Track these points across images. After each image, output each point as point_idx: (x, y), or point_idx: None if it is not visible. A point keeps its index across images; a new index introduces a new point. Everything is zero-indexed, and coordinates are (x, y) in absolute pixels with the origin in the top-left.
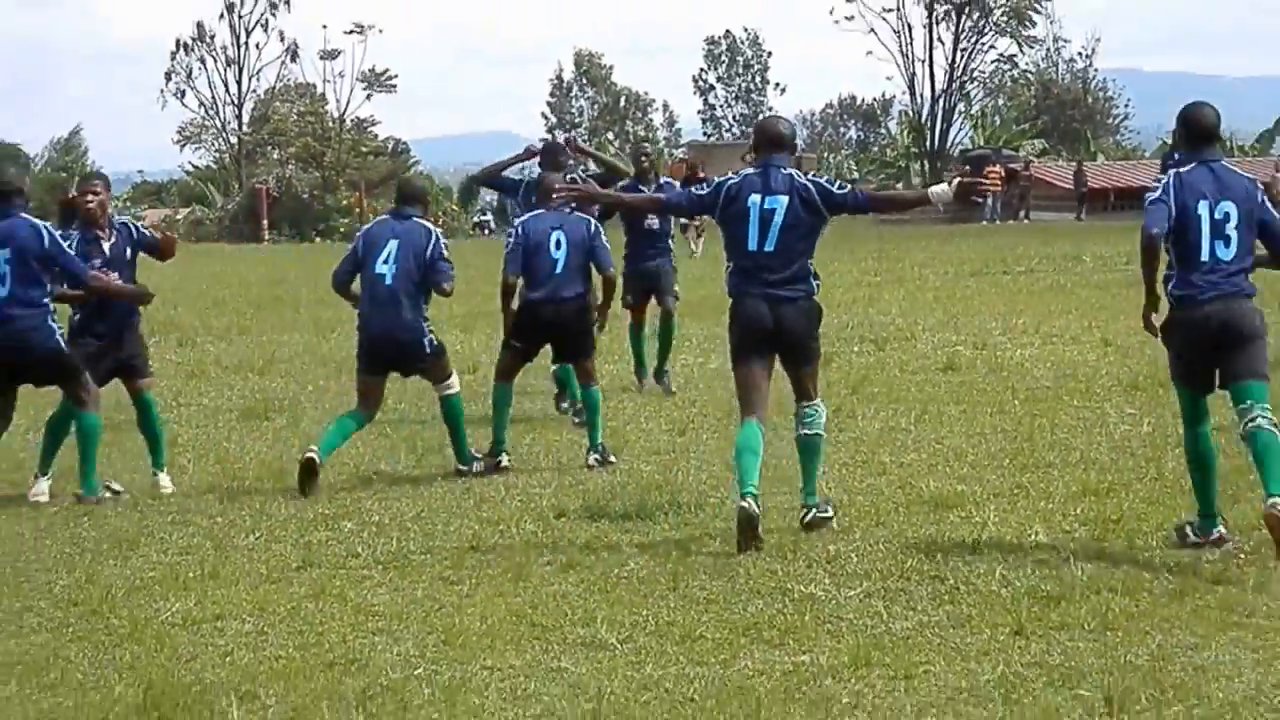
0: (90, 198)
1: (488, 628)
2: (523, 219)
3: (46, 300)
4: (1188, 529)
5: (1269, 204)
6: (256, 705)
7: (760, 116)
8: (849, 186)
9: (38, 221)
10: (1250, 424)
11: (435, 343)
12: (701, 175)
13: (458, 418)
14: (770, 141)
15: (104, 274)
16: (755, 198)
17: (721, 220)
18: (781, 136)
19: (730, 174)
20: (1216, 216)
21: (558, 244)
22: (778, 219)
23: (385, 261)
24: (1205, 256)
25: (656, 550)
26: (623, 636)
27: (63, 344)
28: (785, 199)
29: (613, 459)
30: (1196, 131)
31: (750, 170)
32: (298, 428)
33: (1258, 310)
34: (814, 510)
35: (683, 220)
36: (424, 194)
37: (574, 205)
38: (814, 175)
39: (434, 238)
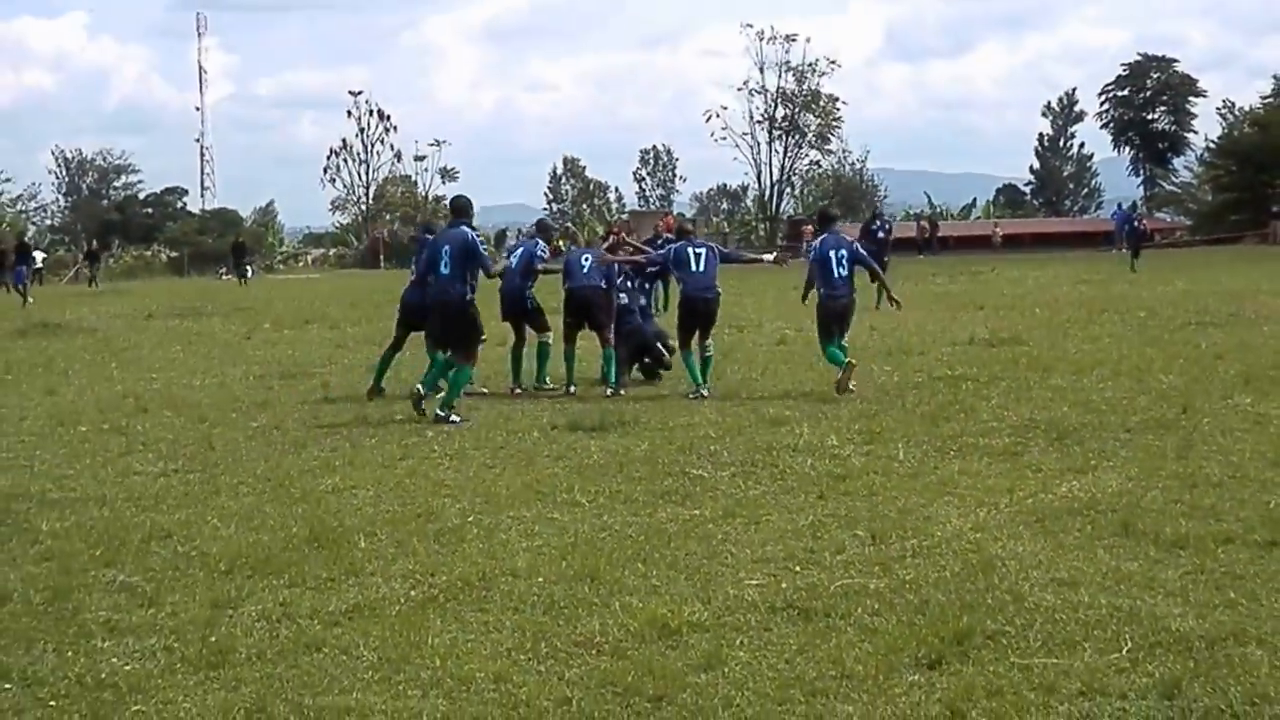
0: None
1: (511, 494)
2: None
3: (471, 284)
4: None
5: (860, 249)
6: (375, 540)
7: (823, 205)
8: (729, 247)
9: (470, 232)
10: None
11: (473, 307)
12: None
13: (543, 357)
14: (824, 218)
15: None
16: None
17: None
18: (827, 214)
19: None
20: (838, 257)
21: (585, 259)
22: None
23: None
24: (835, 276)
25: (610, 448)
26: (590, 499)
27: (474, 313)
28: (705, 250)
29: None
30: (827, 219)
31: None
32: (400, 378)
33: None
34: (701, 390)
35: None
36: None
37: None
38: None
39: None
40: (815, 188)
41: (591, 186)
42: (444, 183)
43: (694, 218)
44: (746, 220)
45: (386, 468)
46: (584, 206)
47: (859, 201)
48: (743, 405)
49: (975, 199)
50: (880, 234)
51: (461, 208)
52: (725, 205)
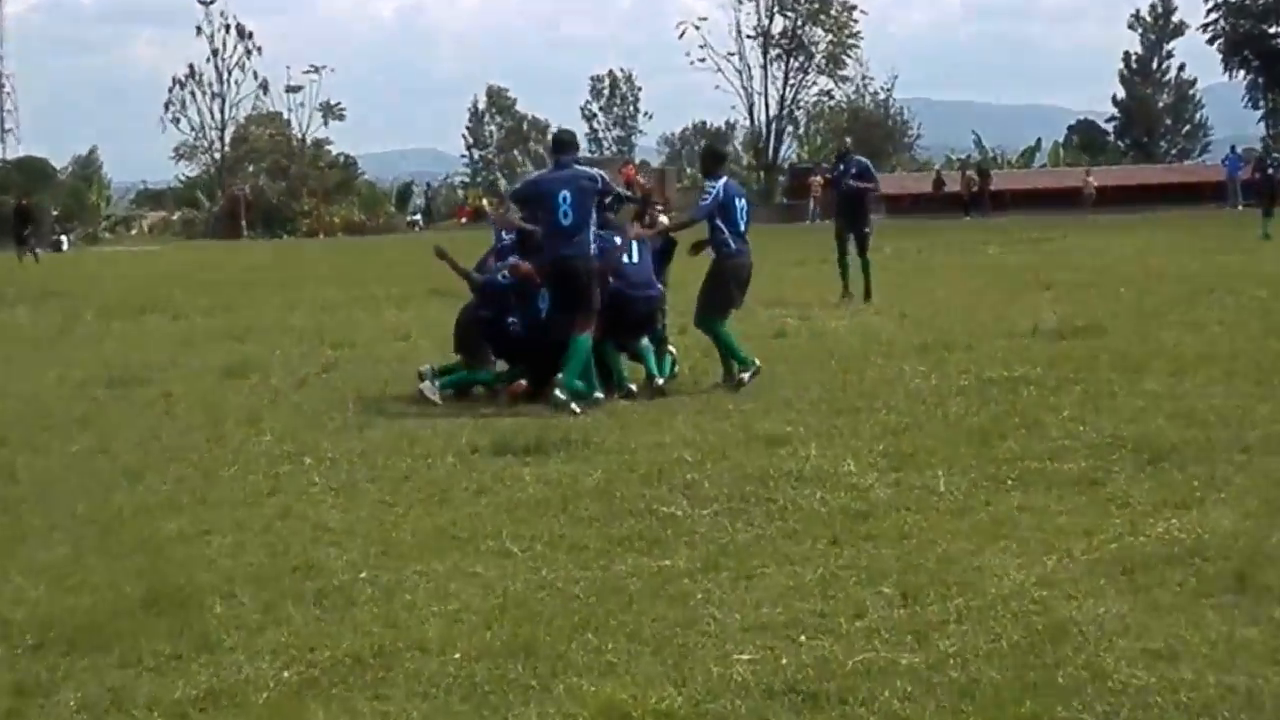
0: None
1: (417, 541)
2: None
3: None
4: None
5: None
6: (235, 603)
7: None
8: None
9: (598, 171)
10: None
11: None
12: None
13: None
14: (714, 156)
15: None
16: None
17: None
18: (716, 151)
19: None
20: (741, 206)
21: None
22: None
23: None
24: (742, 229)
25: (550, 478)
26: (524, 547)
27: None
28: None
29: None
30: (717, 157)
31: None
32: (268, 383)
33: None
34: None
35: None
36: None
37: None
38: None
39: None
40: (825, 125)
41: (525, 126)
42: (325, 122)
43: (660, 168)
44: (732, 169)
45: (250, 505)
46: (514, 153)
47: (883, 144)
48: (729, 419)
49: (1040, 140)
50: (847, 182)
51: (567, 141)
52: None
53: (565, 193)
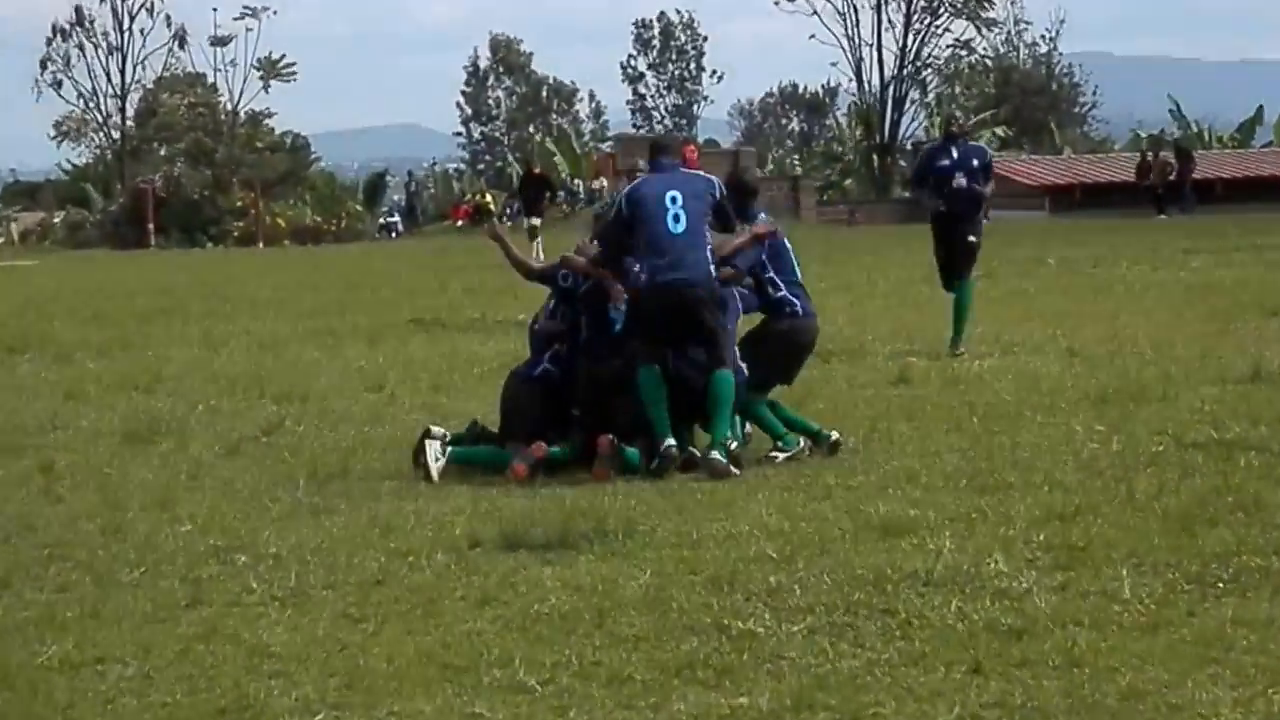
0: None
1: (395, 670)
2: None
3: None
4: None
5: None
6: None
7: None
8: None
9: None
10: None
11: None
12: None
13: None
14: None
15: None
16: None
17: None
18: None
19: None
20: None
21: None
22: None
23: (671, 207)
24: (799, 276)
25: (580, 583)
26: (544, 679)
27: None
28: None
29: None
30: (660, 148)
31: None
32: (186, 452)
33: None
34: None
35: None
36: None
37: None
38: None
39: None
40: (966, 88)
41: (545, 93)
42: (266, 86)
43: (734, 147)
44: (835, 150)
45: (162, 622)
46: (531, 128)
47: (1042, 112)
48: (828, 498)
49: (1261, 109)
50: (969, 169)
51: (667, 145)
52: (796, 123)
53: (674, 194)
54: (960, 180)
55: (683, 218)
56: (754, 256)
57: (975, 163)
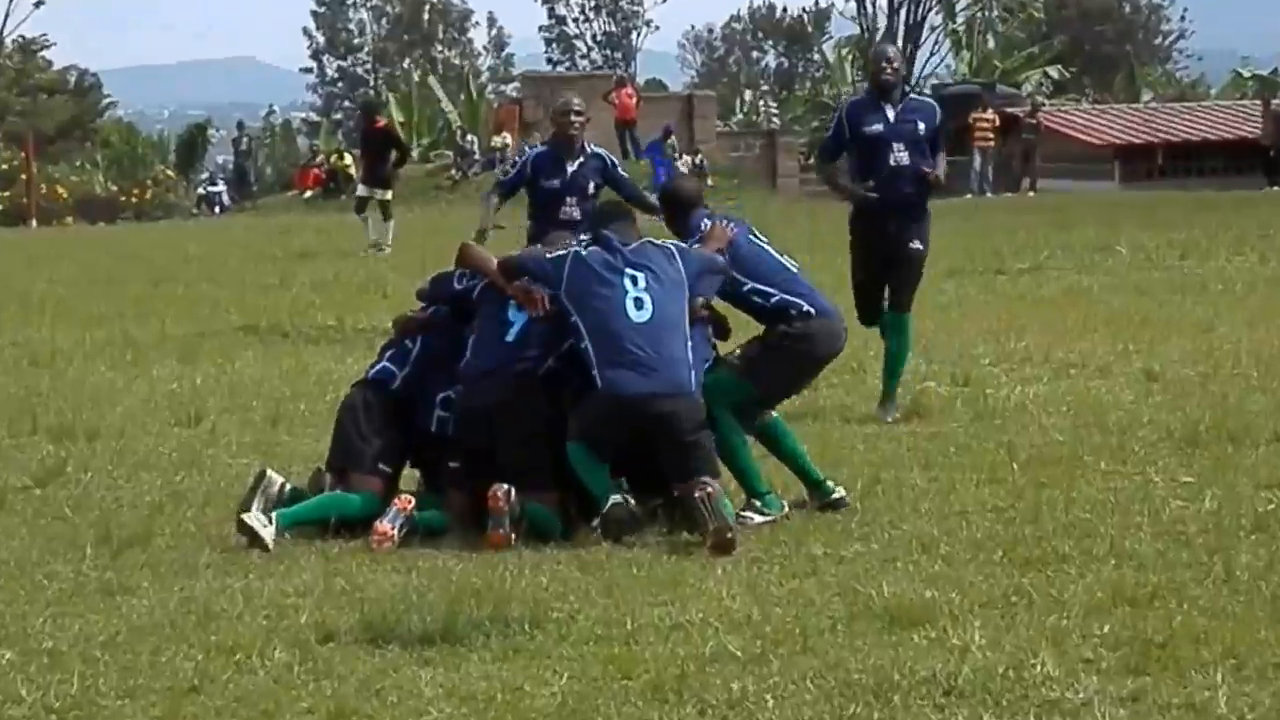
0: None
1: None
2: None
3: None
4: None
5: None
6: None
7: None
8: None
9: None
10: None
11: None
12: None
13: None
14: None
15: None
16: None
17: None
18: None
19: None
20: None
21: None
22: None
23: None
24: (798, 276)
25: (472, 691)
26: None
27: None
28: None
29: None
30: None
31: None
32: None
33: None
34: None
35: None
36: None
37: None
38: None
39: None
40: (1009, 19)
41: (428, 12)
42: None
43: (685, 93)
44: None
45: None
46: (408, 63)
47: (1111, 45)
48: (816, 575)
49: None
50: (912, 137)
51: (609, 214)
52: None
53: (635, 273)
54: (900, 155)
55: (646, 301)
56: (717, 281)
57: (922, 128)
